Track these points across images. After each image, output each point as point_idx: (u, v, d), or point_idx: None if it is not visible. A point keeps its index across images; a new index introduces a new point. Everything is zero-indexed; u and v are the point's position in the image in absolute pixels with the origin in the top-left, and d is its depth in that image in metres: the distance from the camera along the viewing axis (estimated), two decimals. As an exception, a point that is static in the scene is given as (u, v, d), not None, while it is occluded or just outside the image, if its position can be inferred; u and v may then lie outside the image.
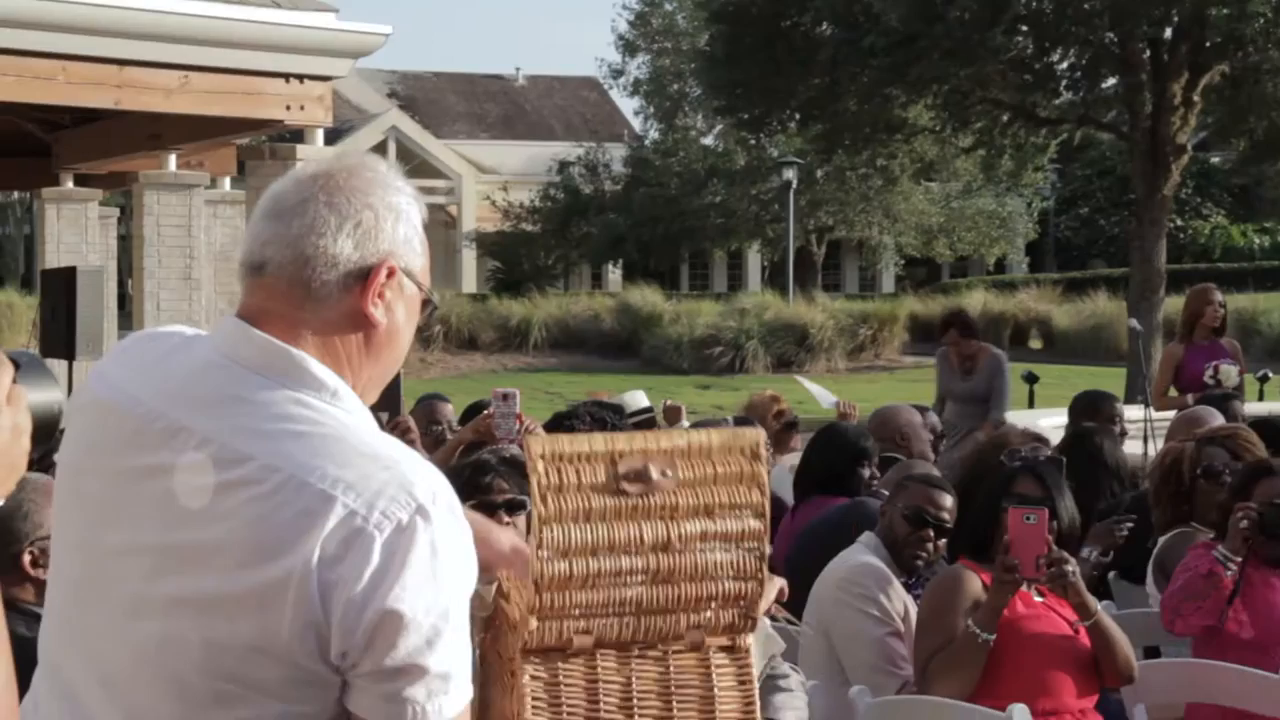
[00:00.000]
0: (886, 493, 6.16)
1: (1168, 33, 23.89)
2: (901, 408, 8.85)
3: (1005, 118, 25.96)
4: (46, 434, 2.09)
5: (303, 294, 2.30)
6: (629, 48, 58.91)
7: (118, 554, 2.25)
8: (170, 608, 2.18)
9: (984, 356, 11.81)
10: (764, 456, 2.60)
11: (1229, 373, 10.62)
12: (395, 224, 2.35)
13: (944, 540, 5.75)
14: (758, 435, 2.60)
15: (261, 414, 2.22)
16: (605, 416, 7.52)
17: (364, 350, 2.34)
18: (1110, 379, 19.80)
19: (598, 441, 2.53)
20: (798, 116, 28.59)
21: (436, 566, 2.13)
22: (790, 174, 39.89)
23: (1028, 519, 5.04)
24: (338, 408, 2.26)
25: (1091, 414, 8.78)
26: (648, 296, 36.92)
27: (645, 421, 9.26)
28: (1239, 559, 5.65)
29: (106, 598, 2.26)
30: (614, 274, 53.39)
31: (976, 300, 39.28)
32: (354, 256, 2.31)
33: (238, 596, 2.13)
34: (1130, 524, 6.84)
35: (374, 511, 2.12)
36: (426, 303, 2.42)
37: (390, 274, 2.33)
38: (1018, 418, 11.13)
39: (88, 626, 2.29)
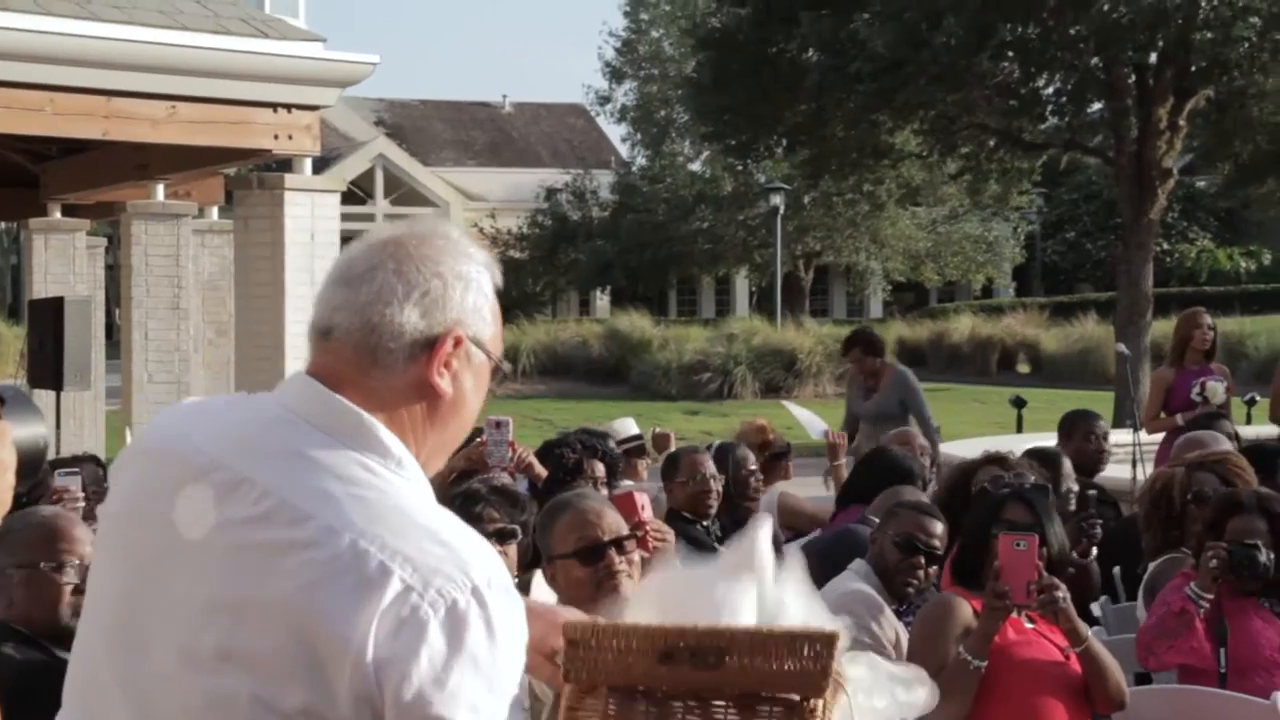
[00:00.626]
0: (877, 520, 6.17)
1: (1153, 58, 23.97)
2: (913, 430, 8.90)
3: (991, 143, 26.03)
4: (32, 469, 2.08)
5: (369, 361, 2.29)
6: (616, 75, 59.06)
7: (168, 603, 2.23)
8: (220, 663, 2.16)
9: (888, 374, 11.61)
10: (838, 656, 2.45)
11: (1215, 389, 10.62)
12: (464, 293, 2.34)
13: (935, 567, 5.75)
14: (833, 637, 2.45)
15: (326, 474, 2.20)
16: (595, 444, 7.53)
17: (428, 419, 2.33)
18: (1099, 403, 19.79)
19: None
20: (785, 142, 28.65)
21: (493, 652, 2.12)
22: (777, 199, 39.93)
23: (1018, 545, 5.04)
24: (401, 476, 2.25)
25: (1070, 432, 8.83)
26: (636, 322, 36.93)
27: (635, 449, 9.27)
28: (1210, 596, 5.65)
29: (151, 646, 2.23)
30: (602, 300, 53.45)
31: (964, 325, 39.34)
32: (420, 326, 2.29)
33: (290, 660, 2.12)
34: (1099, 523, 6.89)
35: (429, 589, 2.11)
36: (496, 370, 2.40)
37: (457, 343, 2.32)
38: (1006, 443, 11.11)
39: (127, 674, 2.26)
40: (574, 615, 2.56)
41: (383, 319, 2.28)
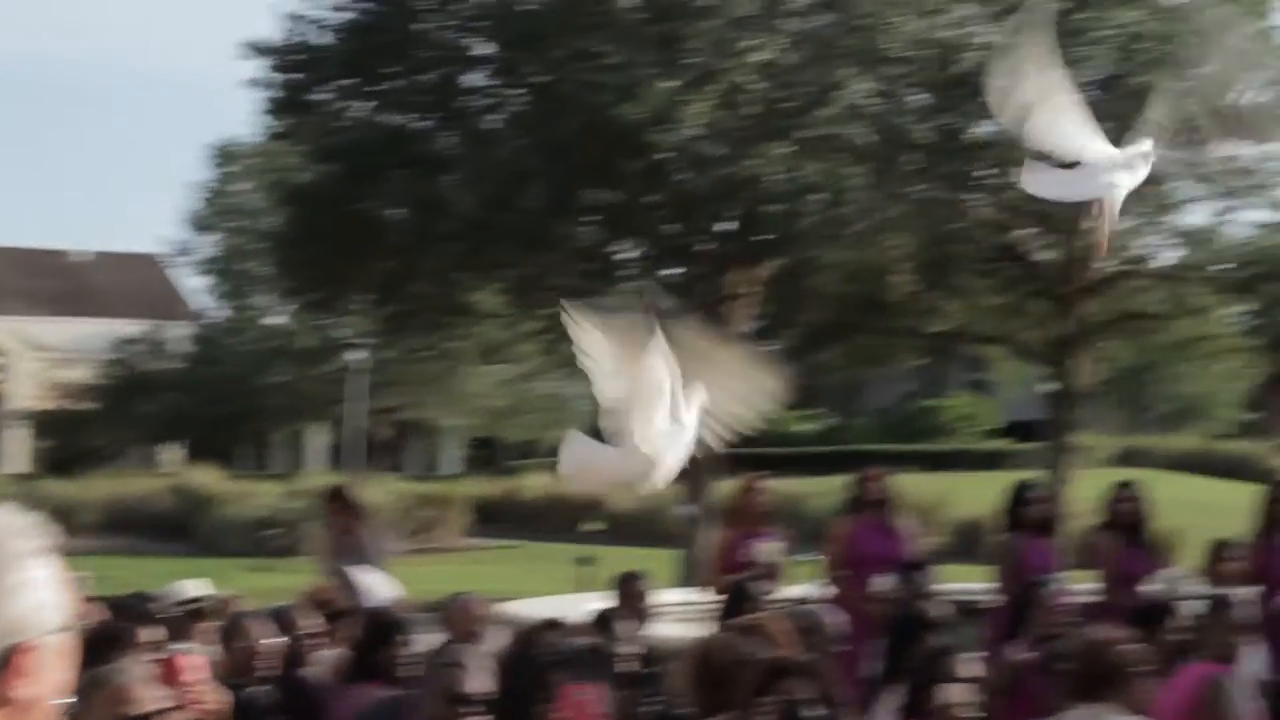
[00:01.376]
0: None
1: (733, 226, 24.78)
2: (476, 599, 8.54)
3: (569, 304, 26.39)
4: None
5: None
6: (199, 225, 58.32)
7: None
8: None
9: (358, 533, 11.64)
10: None
11: (769, 550, 11.12)
12: (24, 598, 2.21)
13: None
14: None
15: None
16: (145, 609, 7.34)
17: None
18: (666, 561, 20.11)
19: None
20: (372, 297, 28.57)
21: None
22: (357, 355, 39.78)
23: (580, 695, 5.09)
24: None
25: (619, 591, 8.99)
26: (206, 477, 36.31)
27: (196, 611, 8.98)
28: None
29: None
30: (174, 453, 52.33)
31: (538, 483, 39.62)
32: None
33: None
34: (657, 702, 7.00)
35: None
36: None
37: (31, 649, 2.20)
38: (572, 602, 11.19)
39: None
40: None
41: None
